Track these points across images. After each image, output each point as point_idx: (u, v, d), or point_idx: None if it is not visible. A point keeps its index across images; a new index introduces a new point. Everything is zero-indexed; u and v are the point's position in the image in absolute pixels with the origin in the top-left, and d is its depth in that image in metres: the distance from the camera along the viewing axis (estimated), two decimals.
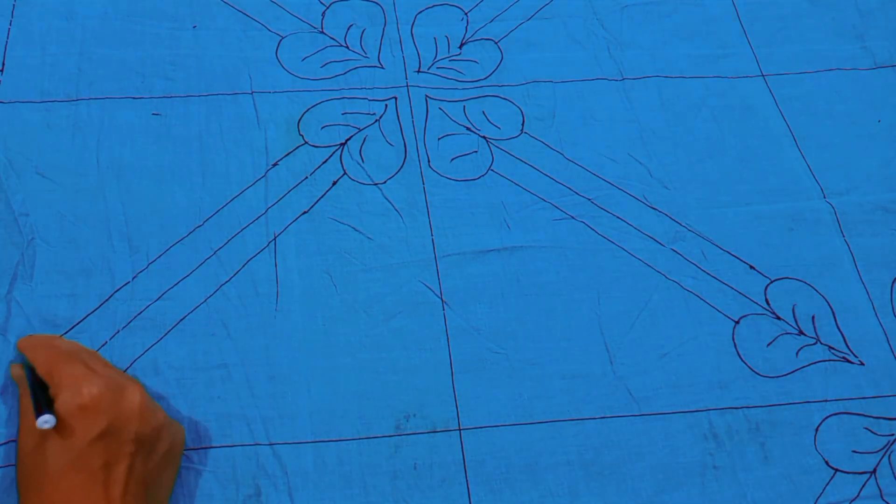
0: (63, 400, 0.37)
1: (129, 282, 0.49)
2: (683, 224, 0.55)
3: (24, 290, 0.48)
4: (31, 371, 0.41)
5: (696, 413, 0.48)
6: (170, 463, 0.41)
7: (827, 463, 0.47)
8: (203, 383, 0.46)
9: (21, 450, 0.39)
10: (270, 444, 0.45)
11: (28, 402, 0.39)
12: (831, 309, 0.52)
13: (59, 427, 0.37)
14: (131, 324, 0.47)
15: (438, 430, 0.46)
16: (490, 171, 0.55)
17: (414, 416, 0.47)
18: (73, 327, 0.47)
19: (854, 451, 0.47)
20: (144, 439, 0.38)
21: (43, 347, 0.42)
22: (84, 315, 0.47)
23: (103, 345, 0.47)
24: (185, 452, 0.44)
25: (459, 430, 0.46)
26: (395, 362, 0.48)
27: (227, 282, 0.49)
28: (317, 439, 0.45)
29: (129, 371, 0.46)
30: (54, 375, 0.39)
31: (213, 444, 0.44)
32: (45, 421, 0.36)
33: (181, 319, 0.48)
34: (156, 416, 0.40)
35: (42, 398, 0.38)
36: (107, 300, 0.48)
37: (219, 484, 0.43)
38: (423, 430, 0.46)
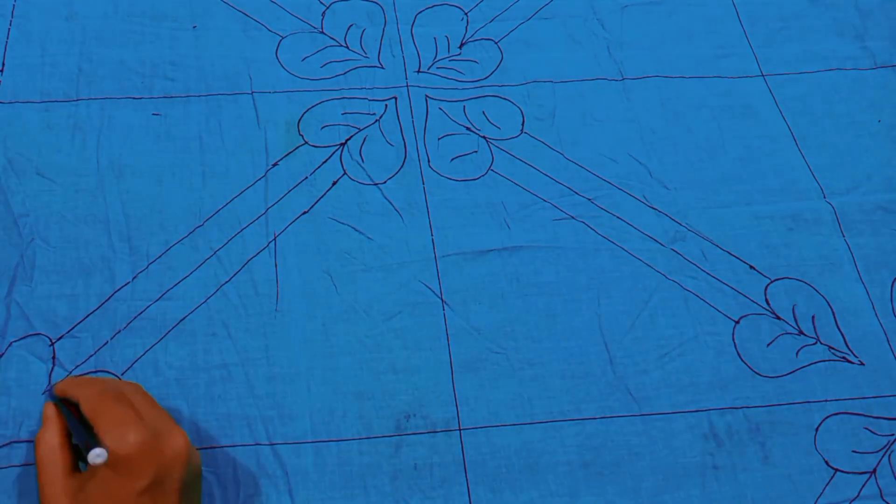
0: (108, 445, 0.35)
1: (129, 282, 0.49)
2: (683, 224, 0.55)
3: (23, 292, 0.48)
4: (69, 410, 0.39)
5: (696, 413, 0.48)
6: (199, 494, 0.40)
7: (827, 463, 0.47)
8: (203, 383, 0.46)
9: (54, 500, 0.37)
10: (271, 444, 0.45)
11: (47, 450, 0.38)
12: (831, 309, 0.52)
13: (105, 474, 0.35)
14: (131, 324, 0.48)
15: (438, 430, 0.46)
16: (490, 171, 0.55)
17: (414, 416, 0.47)
18: (73, 327, 0.47)
19: (854, 451, 0.47)
20: (188, 484, 0.38)
21: (88, 385, 0.40)
22: (84, 315, 0.47)
23: (104, 345, 0.47)
24: None
25: (459, 430, 0.46)
26: (395, 362, 0.48)
27: (227, 282, 0.49)
28: (317, 439, 0.45)
29: (129, 371, 0.46)
30: (98, 416, 0.37)
31: (214, 445, 0.44)
32: (98, 455, 0.35)
33: (181, 320, 0.48)
34: (195, 458, 0.39)
35: (88, 435, 0.37)
36: (107, 300, 0.48)
37: (219, 484, 0.43)
38: (423, 430, 0.46)
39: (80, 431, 0.38)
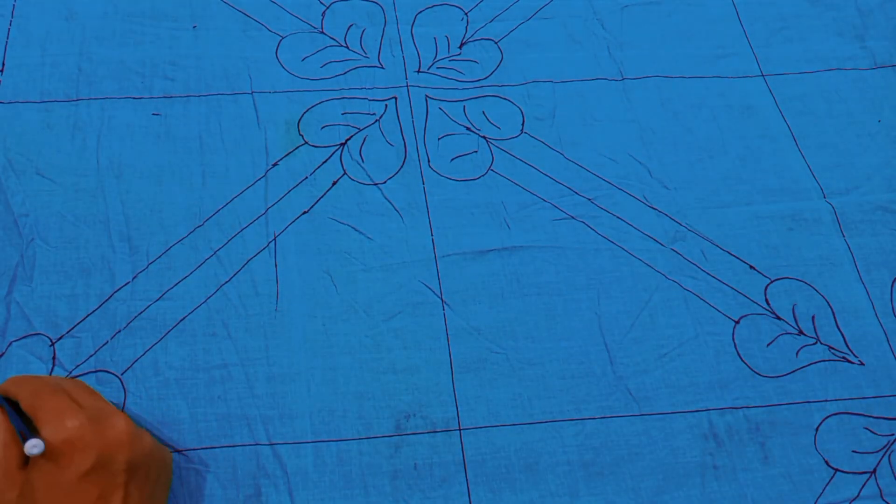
0: (46, 434, 0.36)
1: (129, 282, 0.49)
2: (683, 224, 0.55)
3: (23, 292, 0.48)
4: (10, 406, 0.39)
5: (696, 413, 0.48)
6: (162, 487, 0.40)
7: (827, 463, 0.47)
8: (203, 383, 0.46)
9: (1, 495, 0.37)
10: (270, 444, 0.45)
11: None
12: (831, 309, 0.52)
13: (47, 464, 0.36)
14: (131, 324, 0.48)
15: (438, 430, 0.46)
16: (490, 171, 0.55)
17: (414, 416, 0.47)
18: (73, 327, 0.47)
19: (854, 451, 0.47)
20: (136, 466, 0.37)
21: (27, 382, 0.40)
22: (84, 315, 0.47)
23: (104, 345, 0.47)
24: (185, 453, 0.44)
25: (459, 430, 0.46)
26: (395, 362, 0.48)
27: (227, 282, 0.49)
28: (317, 439, 0.45)
29: (129, 371, 0.46)
30: (37, 409, 0.37)
31: (214, 445, 0.44)
32: (34, 445, 0.35)
33: (181, 319, 0.48)
34: (143, 441, 0.39)
35: (26, 428, 0.37)
36: (107, 300, 0.48)
37: (219, 484, 0.44)
38: (423, 430, 0.46)
39: (20, 426, 0.37)
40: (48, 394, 0.38)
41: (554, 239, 0.53)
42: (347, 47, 0.60)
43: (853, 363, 0.50)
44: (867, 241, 0.55)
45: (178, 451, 0.44)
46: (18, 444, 0.37)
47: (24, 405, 0.38)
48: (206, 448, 0.44)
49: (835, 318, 0.52)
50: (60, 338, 0.47)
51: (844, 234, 0.55)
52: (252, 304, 0.49)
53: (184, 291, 0.49)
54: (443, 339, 0.49)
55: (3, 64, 0.56)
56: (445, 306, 0.50)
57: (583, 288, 0.52)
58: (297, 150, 0.55)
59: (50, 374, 0.45)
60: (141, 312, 0.48)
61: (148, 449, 0.39)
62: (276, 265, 0.50)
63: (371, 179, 0.54)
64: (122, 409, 0.44)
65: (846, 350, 0.51)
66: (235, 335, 0.48)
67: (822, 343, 0.51)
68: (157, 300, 0.48)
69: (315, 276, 0.50)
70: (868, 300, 0.53)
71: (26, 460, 0.37)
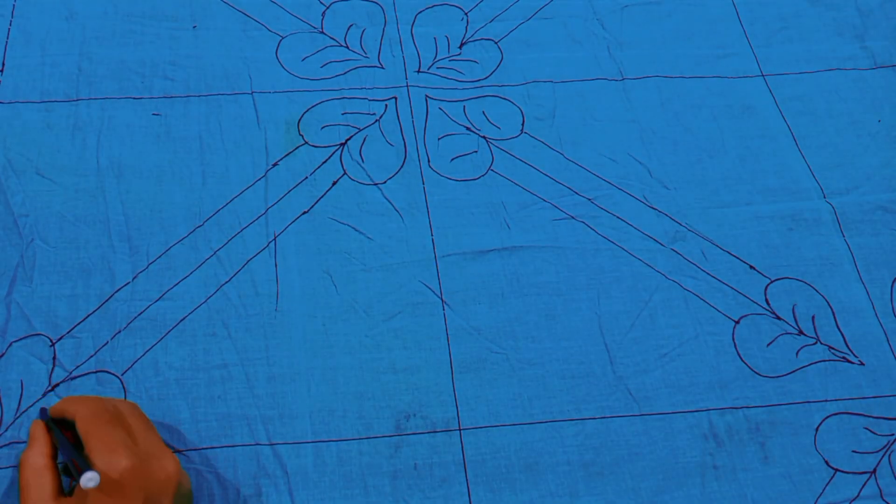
0: (99, 467, 0.35)
1: (129, 282, 0.49)
2: (683, 224, 0.55)
3: (23, 292, 0.48)
4: (60, 430, 0.39)
5: (696, 413, 0.48)
6: None
7: (827, 463, 0.47)
8: (203, 383, 0.46)
9: None
10: (271, 444, 0.45)
11: (32, 472, 0.37)
12: (831, 309, 0.52)
13: (94, 500, 0.35)
14: (131, 324, 0.48)
15: (438, 430, 0.46)
16: (490, 171, 0.55)
17: (414, 416, 0.47)
18: (73, 328, 0.47)
19: (854, 451, 0.47)
20: None
21: (86, 403, 0.39)
22: (84, 315, 0.47)
23: (104, 345, 0.47)
24: (186, 453, 0.44)
25: (459, 429, 0.46)
26: (394, 362, 0.48)
27: (227, 282, 0.49)
28: (317, 439, 0.45)
29: (129, 371, 0.46)
30: (91, 436, 0.37)
31: (214, 445, 0.45)
32: (90, 479, 0.34)
33: (181, 320, 0.48)
34: (185, 483, 0.39)
35: (80, 457, 0.36)
36: (107, 300, 0.48)
37: (219, 484, 0.44)
38: (424, 430, 0.46)
39: (70, 450, 0.37)
40: (105, 423, 0.37)
41: (554, 239, 0.53)
42: (347, 47, 0.60)
43: (853, 363, 0.50)
44: (867, 240, 0.55)
45: (179, 451, 0.44)
46: (55, 473, 0.37)
47: (79, 426, 0.37)
48: (207, 448, 0.44)
49: (835, 318, 0.52)
50: (61, 338, 0.47)
51: (844, 233, 0.55)
52: (252, 304, 0.49)
53: (184, 291, 0.49)
54: (443, 339, 0.49)
55: (3, 64, 0.56)
56: (445, 306, 0.50)
57: (583, 288, 0.52)
58: (297, 150, 0.55)
59: (85, 395, 0.42)
60: (141, 313, 0.48)
61: (187, 490, 0.39)
62: (275, 265, 0.50)
63: (371, 179, 0.54)
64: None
65: (846, 350, 0.51)
66: (235, 335, 0.48)
67: (822, 343, 0.51)
68: (157, 300, 0.48)
69: (315, 276, 0.50)
70: (868, 300, 0.53)
71: (61, 490, 0.37)
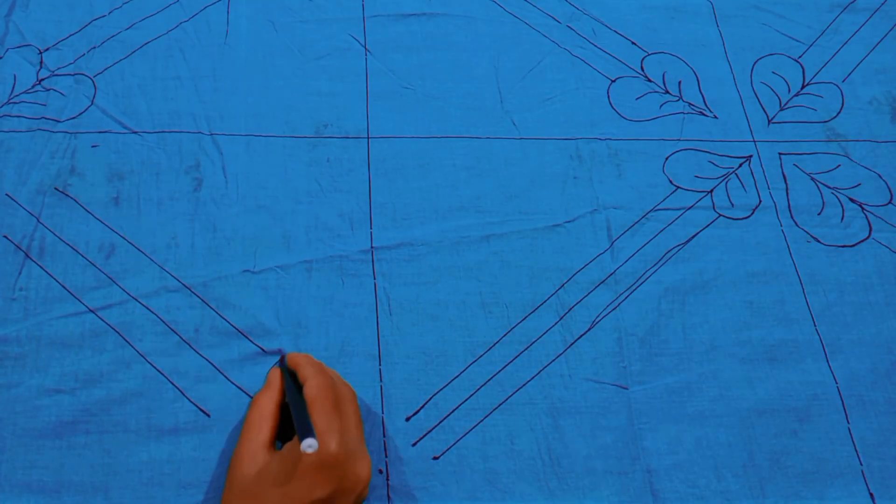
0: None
1: (104, 14, 0.59)
2: (579, 8, 0.64)
3: (20, 15, 0.58)
4: (292, 383, 0.41)
5: (566, 140, 0.57)
6: None
7: (671, 181, 0.56)
8: (160, 88, 0.57)
9: (240, 463, 0.38)
10: (211, 134, 0.55)
11: (259, 415, 0.40)
12: (696, 77, 0.61)
13: (290, 472, 0.36)
14: (105, 44, 0.58)
15: (350, 136, 0.56)
16: None
17: (331, 125, 0.57)
18: (58, 42, 0.57)
19: (696, 176, 0.57)
20: None
21: (319, 374, 0.41)
22: (67, 35, 0.58)
23: (81, 56, 0.57)
24: (141, 133, 0.54)
25: (368, 137, 0.56)
26: (319, 89, 0.58)
27: (186, 21, 0.60)
28: (249, 133, 0.55)
29: (101, 76, 0.56)
30: (314, 410, 0.38)
31: (164, 129, 0.55)
32: (310, 445, 0.35)
33: (146, 42, 0.58)
34: (366, 491, 0.40)
35: (306, 416, 0.38)
36: (86, 25, 0.58)
37: (166, 156, 0.54)
38: (338, 136, 0.56)
39: (300, 409, 0.38)
40: (329, 402, 0.39)
41: (467, 10, 0.63)
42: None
43: (708, 116, 0.60)
44: (738, 30, 0.64)
45: (135, 133, 0.55)
46: (276, 423, 0.40)
47: (306, 393, 0.39)
48: (158, 132, 0.55)
49: (699, 83, 0.61)
50: (47, 49, 0.57)
51: (719, 24, 0.64)
52: (205, 38, 0.59)
53: (149, 23, 0.59)
54: (362, 75, 0.59)
55: None
56: (368, 53, 0.60)
57: (486, 48, 0.61)
58: None
59: (320, 361, 0.44)
60: (113, 36, 0.58)
61: (365, 497, 0.40)
62: (227, 10, 0.60)
63: None
64: (93, 104, 0.54)
65: (704, 106, 0.60)
66: (189, 58, 0.58)
67: (683, 100, 0.60)
68: (127, 28, 0.59)
69: (260, 23, 0.60)
70: (731, 73, 0.62)
71: (274, 441, 0.40)
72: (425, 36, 0.61)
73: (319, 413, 0.38)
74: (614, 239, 0.53)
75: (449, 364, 0.48)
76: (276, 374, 0.43)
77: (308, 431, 0.36)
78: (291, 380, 0.42)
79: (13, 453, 0.44)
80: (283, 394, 0.42)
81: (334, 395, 0.40)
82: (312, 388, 0.39)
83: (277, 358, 0.47)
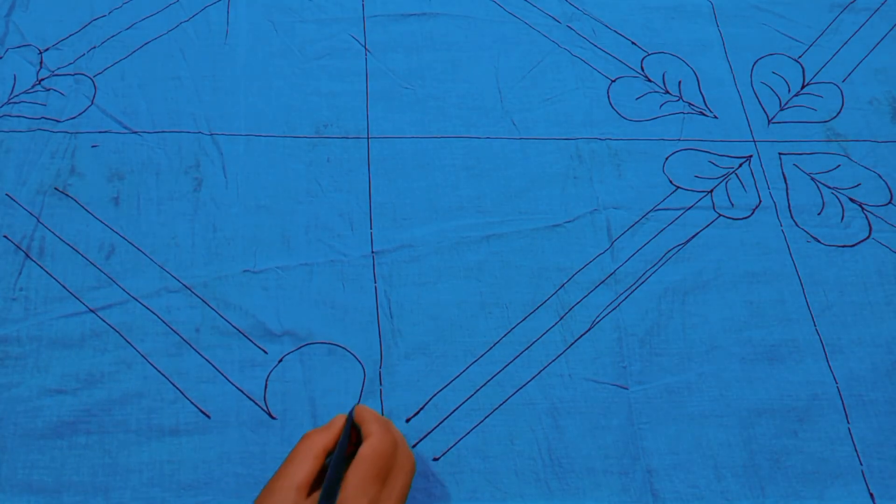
0: None
1: (104, 14, 0.59)
2: (579, 8, 0.64)
3: (20, 15, 0.58)
4: (347, 440, 0.39)
5: (566, 140, 0.57)
6: None
7: (671, 181, 0.56)
8: (160, 89, 0.57)
9: (270, 495, 0.36)
10: (211, 134, 0.55)
11: (307, 450, 0.38)
12: (697, 77, 0.61)
13: None
14: (105, 44, 0.58)
15: (350, 136, 0.56)
16: None
17: (331, 125, 0.57)
18: (58, 42, 0.57)
19: (696, 176, 0.57)
20: None
21: (382, 440, 0.38)
22: (67, 35, 0.58)
23: (81, 56, 0.57)
24: (141, 133, 0.54)
25: (368, 137, 0.56)
26: (319, 88, 0.58)
27: (186, 21, 0.60)
28: (249, 133, 0.55)
29: (101, 75, 0.56)
30: (356, 474, 0.36)
31: (164, 129, 0.55)
32: None
33: (145, 43, 0.58)
34: None
35: (336, 481, 0.36)
36: (86, 25, 0.58)
37: (166, 156, 0.54)
38: (337, 136, 0.56)
39: (334, 471, 0.37)
40: (375, 471, 0.37)
41: (467, 10, 0.63)
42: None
43: (708, 116, 0.60)
44: (738, 30, 0.64)
45: (135, 133, 0.55)
46: (319, 466, 0.37)
47: (359, 453, 0.37)
48: (158, 132, 0.55)
49: (699, 83, 0.61)
50: (47, 49, 0.57)
51: (719, 24, 0.64)
52: (205, 38, 0.59)
53: (149, 24, 0.59)
54: (362, 76, 0.59)
55: None
56: (368, 53, 0.60)
57: (486, 48, 0.61)
58: None
59: (390, 423, 0.41)
60: (113, 36, 0.58)
61: None
62: (227, 10, 0.60)
63: None
64: (93, 104, 0.54)
65: (704, 106, 0.60)
66: (189, 58, 0.58)
67: (683, 100, 0.60)
68: (127, 28, 0.59)
69: (260, 22, 0.60)
70: (731, 73, 0.62)
71: (313, 484, 0.37)
72: (425, 36, 0.61)
73: (358, 477, 0.36)
74: (614, 239, 0.53)
75: (449, 365, 0.48)
76: (341, 419, 0.40)
77: (330, 497, 0.35)
78: (350, 434, 0.39)
79: (14, 453, 0.44)
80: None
81: (386, 463, 0.37)
82: (368, 448, 0.37)
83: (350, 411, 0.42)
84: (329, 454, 0.38)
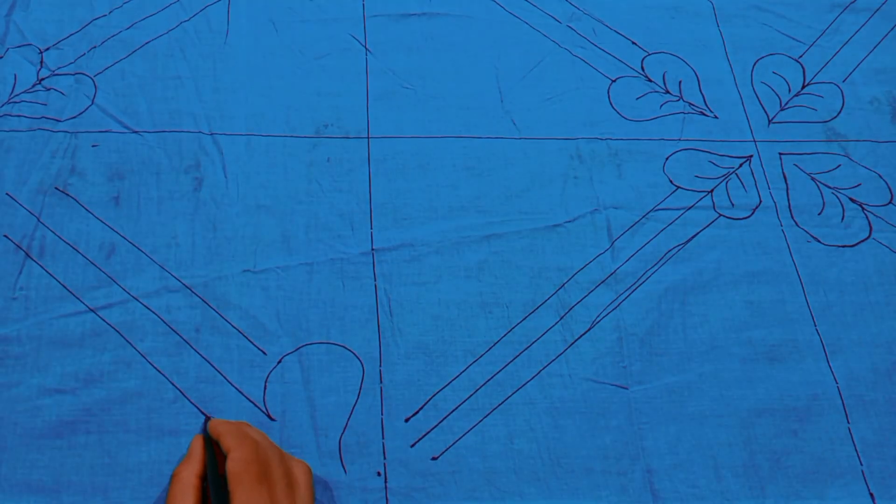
0: None
1: (105, 14, 0.59)
2: (579, 8, 0.64)
3: (21, 15, 0.58)
4: (214, 457, 0.40)
5: (566, 140, 0.57)
6: None
7: (671, 181, 0.56)
8: (160, 88, 0.57)
9: None
10: (211, 134, 0.55)
11: (180, 490, 0.37)
12: (697, 77, 0.61)
13: None
14: (105, 43, 0.58)
15: (351, 136, 0.56)
16: None
17: (331, 125, 0.57)
18: (58, 42, 0.57)
19: (697, 176, 0.57)
20: None
21: (244, 445, 0.38)
22: (67, 34, 0.58)
23: (82, 55, 0.57)
24: (142, 133, 0.54)
25: (368, 137, 0.56)
26: (320, 88, 0.58)
27: (186, 20, 0.60)
28: (250, 133, 0.55)
29: (101, 75, 0.56)
30: (238, 486, 0.36)
31: (164, 129, 0.55)
32: None
33: (146, 42, 0.58)
34: None
35: (223, 501, 0.37)
36: (87, 25, 0.58)
37: (166, 155, 0.54)
38: (338, 136, 0.56)
39: (217, 490, 0.38)
40: (254, 478, 0.37)
41: (468, 10, 0.63)
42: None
43: (708, 116, 0.60)
44: (738, 30, 0.64)
45: (135, 132, 0.55)
46: (199, 494, 0.38)
47: (229, 468, 0.37)
48: (158, 132, 0.55)
49: (699, 83, 0.61)
50: (48, 48, 0.57)
51: (719, 23, 0.64)
52: (205, 37, 0.59)
53: (150, 23, 0.59)
54: (363, 76, 0.59)
55: None
56: (368, 54, 0.60)
57: (487, 47, 0.61)
58: None
59: (244, 425, 0.42)
60: (113, 35, 0.58)
61: None
62: (228, 10, 0.60)
63: None
64: (93, 104, 0.54)
65: (704, 106, 0.60)
66: (190, 57, 0.58)
67: (684, 100, 0.60)
68: (128, 28, 0.59)
69: (260, 22, 0.60)
70: (731, 73, 0.62)
71: None
72: (425, 36, 0.61)
73: (241, 490, 0.36)
74: (614, 239, 0.53)
75: (449, 364, 0.48)
76: (199, 444, 0.40)
77: None
78: (215, 451, 0.40)
79: (13, 453, 0.44)
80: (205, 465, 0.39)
81: (258, 467, 0.37)
82: (233, 463, 0.37)
83: (201, 428, 0.43)
84: (203, 479, 0.39)
